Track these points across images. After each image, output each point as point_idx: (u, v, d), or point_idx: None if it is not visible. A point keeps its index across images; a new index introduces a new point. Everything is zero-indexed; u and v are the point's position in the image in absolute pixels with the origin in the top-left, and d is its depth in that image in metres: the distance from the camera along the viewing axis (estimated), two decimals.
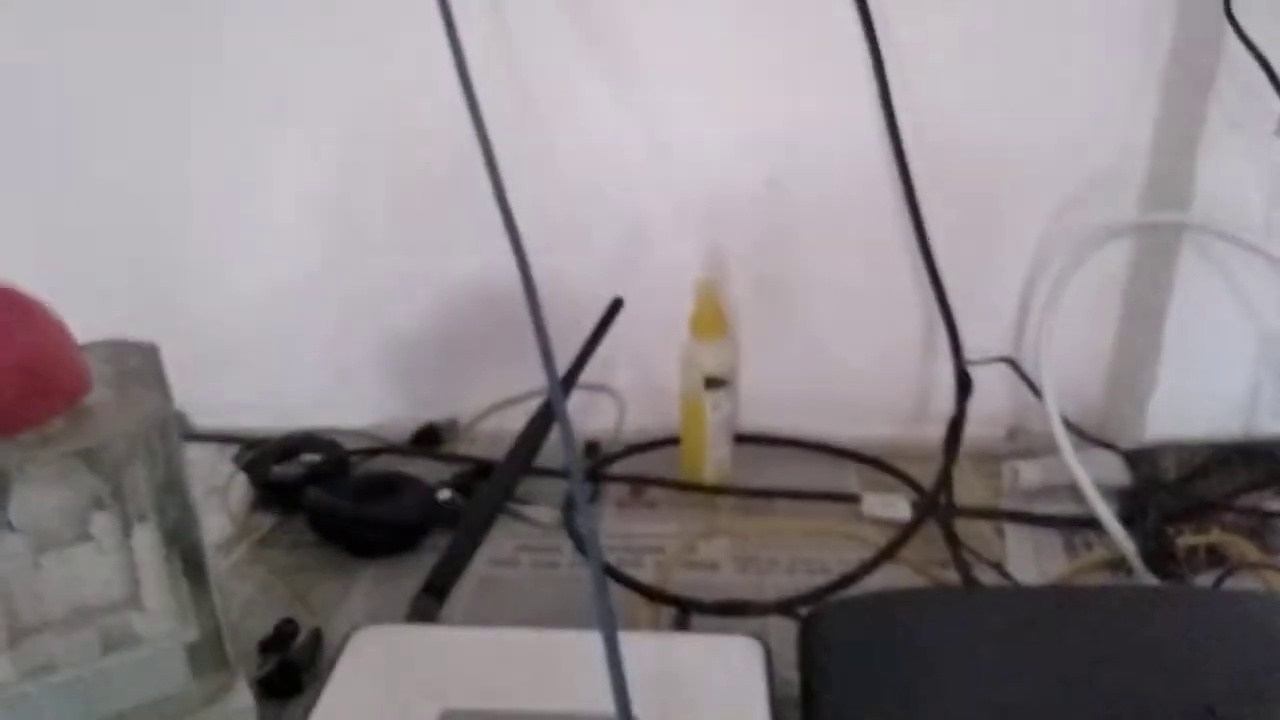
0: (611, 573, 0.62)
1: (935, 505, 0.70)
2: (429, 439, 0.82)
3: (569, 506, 0.70)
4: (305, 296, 0.81)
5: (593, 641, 0.37)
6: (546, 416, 0.65)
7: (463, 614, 0.61)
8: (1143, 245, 0.75)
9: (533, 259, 0.49)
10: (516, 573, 0.66)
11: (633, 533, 0.70)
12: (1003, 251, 0.77)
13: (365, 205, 0.78)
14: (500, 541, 0.69)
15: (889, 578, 0.64)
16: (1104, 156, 0.73)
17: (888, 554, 0.65)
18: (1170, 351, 0.72)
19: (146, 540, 0.45)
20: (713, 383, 0.71)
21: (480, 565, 0.66)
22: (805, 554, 0.67)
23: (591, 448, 0.80)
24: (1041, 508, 0.72)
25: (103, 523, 0.44)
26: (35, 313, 0.43)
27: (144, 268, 0.80)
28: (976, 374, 0.75)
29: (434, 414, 0.84)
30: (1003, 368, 0.78)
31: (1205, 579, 0.63)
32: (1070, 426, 0.70)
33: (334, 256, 0.80)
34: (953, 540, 0.66)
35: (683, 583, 0.64)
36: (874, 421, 0.81)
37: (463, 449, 0.82)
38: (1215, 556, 0.65)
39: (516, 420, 0.68)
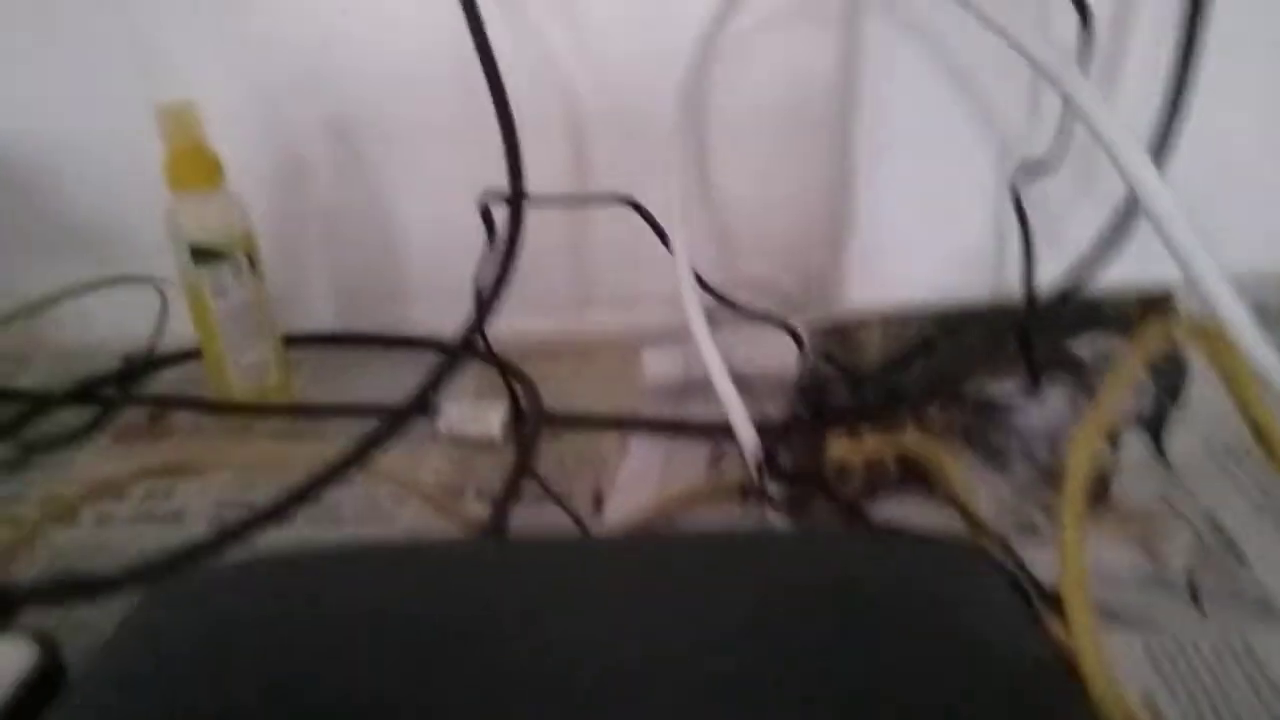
0: None
1: (524, 414, 0.49)
2: None
3: None
4: None
5: None
6: None
7: None
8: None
9: None
10: None
11: (100, 477, 0.48)
12: None
13: None
14: None
15: (417, 521, 0.44)
16: None
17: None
18: (868, 179, 0.49)
19: None
20: (205, 255, 0.49)
21: None
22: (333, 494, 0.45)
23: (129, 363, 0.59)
24: (698, 410, 0.50)
25: None
26: None
27: None
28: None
29: None
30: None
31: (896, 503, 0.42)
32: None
33: None
34: (523, 461, 0.45)
35: (122, 540, 0.43)
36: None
37: None
38: (914, 469, 0.45)
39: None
